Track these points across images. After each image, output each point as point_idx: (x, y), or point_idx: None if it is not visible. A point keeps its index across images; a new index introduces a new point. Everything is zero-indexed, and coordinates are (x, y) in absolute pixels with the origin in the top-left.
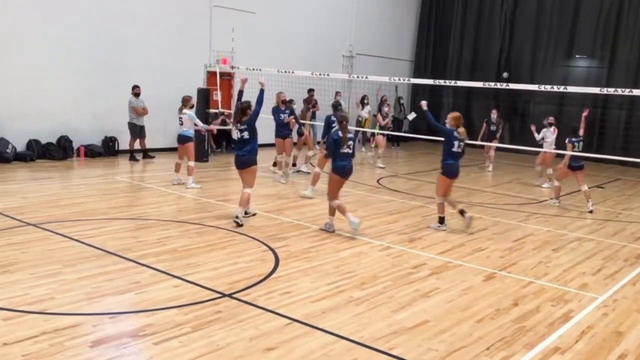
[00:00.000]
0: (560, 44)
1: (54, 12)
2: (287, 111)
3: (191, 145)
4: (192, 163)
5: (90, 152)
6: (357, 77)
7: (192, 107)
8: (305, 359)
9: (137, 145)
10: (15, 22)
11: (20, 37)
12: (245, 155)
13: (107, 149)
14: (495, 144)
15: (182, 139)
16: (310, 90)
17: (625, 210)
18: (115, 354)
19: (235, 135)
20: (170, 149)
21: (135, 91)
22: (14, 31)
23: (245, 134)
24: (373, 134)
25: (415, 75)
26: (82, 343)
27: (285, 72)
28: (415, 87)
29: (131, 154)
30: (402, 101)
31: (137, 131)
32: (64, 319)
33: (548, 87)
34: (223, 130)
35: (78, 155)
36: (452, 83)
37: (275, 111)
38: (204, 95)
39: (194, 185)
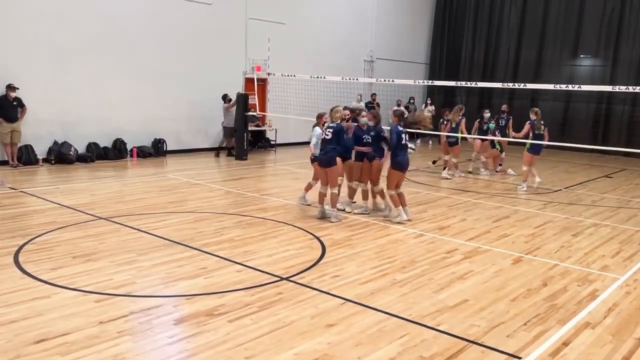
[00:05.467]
0: (566, 44)
1: (111, 28)
2: None
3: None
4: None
5: (142, 153)
6: (384, 80)
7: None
8: (363, 334)
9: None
10: (76, 38)
11: (81, 51)
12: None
13: (157, 150)
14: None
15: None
16: (373, 95)
17: (634, 198)
18: (197, 330)
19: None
20: (211, 149)
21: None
22: (75, 46)
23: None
24: None
25: (431, 77)
26: (166, 321)
27: (317, 77)
28: (430, 87)
29: (229, 151)
30: (412, 101)
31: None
32: (147, 301)
33: (563, 87)
34: (257, 131)
35: (131, 156)
36: (473, 84)
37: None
38: (243, 100)
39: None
